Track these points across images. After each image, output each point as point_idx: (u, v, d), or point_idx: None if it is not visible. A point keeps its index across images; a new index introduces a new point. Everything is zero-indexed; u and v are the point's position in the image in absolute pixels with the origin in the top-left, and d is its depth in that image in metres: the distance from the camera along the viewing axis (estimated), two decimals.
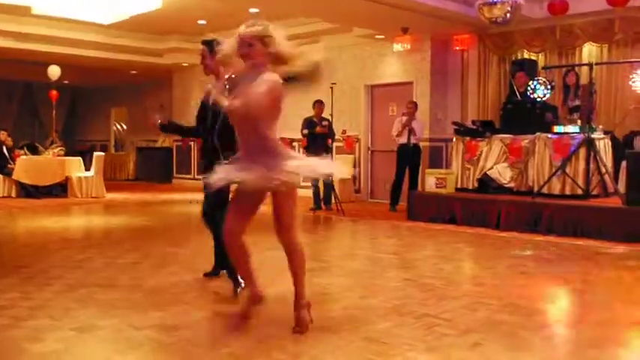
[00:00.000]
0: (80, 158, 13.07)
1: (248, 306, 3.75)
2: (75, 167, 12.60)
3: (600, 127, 8.81)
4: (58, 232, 8.02)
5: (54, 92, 15.95)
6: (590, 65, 8.71)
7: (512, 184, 8.87)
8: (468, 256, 6.85)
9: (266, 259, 4.78)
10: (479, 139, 9.31)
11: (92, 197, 12.33)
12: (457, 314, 4.04)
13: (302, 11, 10.78)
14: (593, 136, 8.20)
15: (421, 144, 10.61)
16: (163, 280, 5.08)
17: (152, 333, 3.62)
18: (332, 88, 10.92)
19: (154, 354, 3.33)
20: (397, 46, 10.92)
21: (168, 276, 5.22)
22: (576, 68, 9.48)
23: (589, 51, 10.19)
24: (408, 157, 10.33)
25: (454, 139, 9.79)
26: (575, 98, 9.18)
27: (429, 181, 9.53)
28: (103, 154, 13.41)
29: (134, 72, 17.32)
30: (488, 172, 9.05)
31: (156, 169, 17.70)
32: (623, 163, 8.04)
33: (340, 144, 12.45)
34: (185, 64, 15.76)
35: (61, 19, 12.66)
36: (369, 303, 4.40)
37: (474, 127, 9.67)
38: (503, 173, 8.93)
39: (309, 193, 10.29)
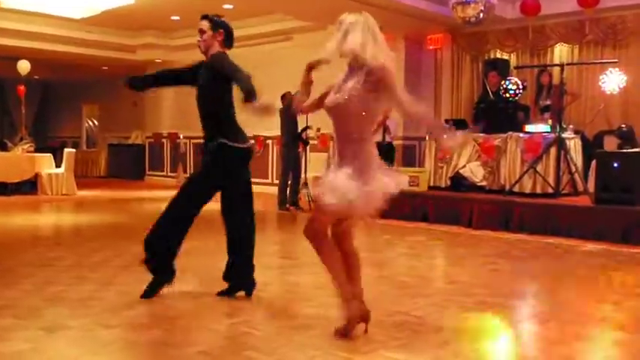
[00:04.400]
0: (51, 155, 12.86)
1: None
2: (45, 164, 12.41)
3: (571, 126, 8.94)
4: (27, 229, 7.90)
5: (21, 87, 15.70)
6: (561, 66, 8.84)
7: (484, 183, 8.96)
8: (440, 253, 6.90)
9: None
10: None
11: (63, 194, 12.16)
12: (429, 312, 4.07)
13: (275, 8, 10.75)
14: (563, 135, 8.32)
15: (395, 142, 10.65)
16: (135, 278, 5.02)
17: (123, 332, 3.59)
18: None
19: (124, 353, 3.29)
20: None
21: (139, 274, 5.15)
22: (549, 68, 9.59)
23: (560, 51, 10.35)
24: (382, 155, 10.30)
25: (427, 138, 9.85)
26: (547, 98, 9.30)
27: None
28: (74, 150, 13.23)
29: (105, 68, 17.12)
30: (460, 171, 9.13)
31: (128, 166, 17.52)
32: (593, 163, 8.17)
33: (315, 142, 12.44)
34: (158, 60, 15.59)
35: (31, 13, 12.45)
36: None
37: (447, 125, 9.72)
38: (475, 172, 9.02)
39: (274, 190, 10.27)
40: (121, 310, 4.05)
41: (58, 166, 12.60)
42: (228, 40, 4.42)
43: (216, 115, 4.34)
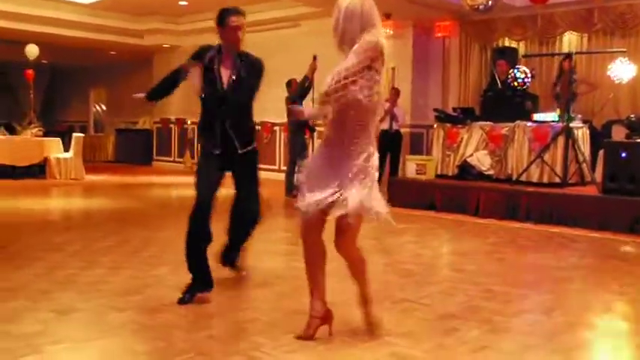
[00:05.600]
0: (59, 139, 12.93)
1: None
2: (54, 148, 12.48)
3: (579, 116, 8.91)
4: (36, 213, 7.97)
5: (30, 72, 15.73)
6: (569, 55, 8.80)
7: (491, 172, 8.96)
8: (446, 242, 6.92)
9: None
10: (459, 126, 9.38)
11: (71, 179, 12.23)
12: (435, 299, 4.10)
13: None
14: (571, 125, 8.30)
15: (402, 130, 10.65)
16: (144, 262, 5.08)
17: (132, 315, 3.64)
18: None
19: (134, 336, 3.34)
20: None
21: (148, 259, 5.23)
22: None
23: (569, 40, 10.30)
24: (389, 143, 10.36)
25: (435, 126, 9.85)
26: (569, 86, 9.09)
27: (410, 167, 9.60)
28: (82, 135, 13.29)
29: (113, 53, 17.13)
30: (468, 159, 9.13)
31: (135, 151, 17.58)
32: (601, 152, 8.15)
33: (322, 129, 12.44)
34: (166, 46, 15.62)
35: None
36: (348, 288, 4.43)
37: (455, 114, 9.73)
38: (482, 160, 9.02)
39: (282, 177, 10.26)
40: (131, 294, 4.10)
41: (66, 150, 12.66)
42: None
43: (249, 110, 4.36)
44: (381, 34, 3.17)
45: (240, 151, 4.22)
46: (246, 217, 4.41)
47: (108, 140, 19.25)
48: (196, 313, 3.71)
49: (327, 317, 3.33)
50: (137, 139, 17.79)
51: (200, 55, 4.29)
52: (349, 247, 3.30)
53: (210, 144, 4.24)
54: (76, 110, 21.59)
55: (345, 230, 3.18)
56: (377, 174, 3.23)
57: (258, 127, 13.99)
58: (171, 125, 16.62)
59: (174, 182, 12.56)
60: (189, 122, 15.98)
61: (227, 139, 4.19)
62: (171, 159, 16.72)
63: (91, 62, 19.16)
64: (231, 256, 4.57)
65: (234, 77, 4.18)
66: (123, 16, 14.39)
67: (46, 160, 12.25)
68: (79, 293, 4.09)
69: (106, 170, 15.13)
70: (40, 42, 14.70)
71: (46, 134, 13.35)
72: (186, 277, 4.06)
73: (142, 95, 4.69)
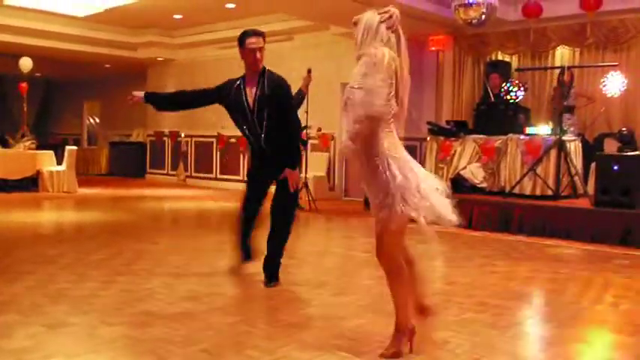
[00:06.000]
0: (52, 152, 12.88)
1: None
2: (46, 161, 12.43)
3: (572, 129, 8.97)
4: (28, 226, 7.93)
5: (23, 84, 15.72)
6: (562, 68, 8.87)
7: (484, 184, 8.98)
8: (440, 254, 6.92)
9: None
10: (452, 139, 9.40)
11: (64, 192, 12.18)
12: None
13: (278, 8, 10.77)
14: (564, 138, 8.34)
15: None
16: (136, 275, 5.05)
17: (125, 330, 3.61)
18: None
19: (126, 350, 3.32)
20: None
21: (141, 272, 5.20)
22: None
23: (562, 54, 10.37)
24: None
25: (428, 139, 9.88)
26: (567, 98, 9.18)
27: None
28: (75, 148, 13.24)
29: (108, 66, 17.15)
30: (461, 172, 9.15)
31: (129, 164, 17.56)
32: (593, 165, 8.19)
33: (315, 141, 12.48)
34: (160, 59, 15.65)
35: (34, 10, 12.49)
36: (342, 300, 4.44)
37: (448, 127, 9.76)
38: (475, 173, 9.04)
39: None
40: (123, 307, 4.07)
41: (59, 163, 12.62)
42: None
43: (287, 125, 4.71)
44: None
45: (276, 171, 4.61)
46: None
47: (101, 153, 19.23)
48: (189, 327, 3.69)
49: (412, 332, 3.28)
50: (131, 152, 17.77)
51: (225, 86, 4.65)
52: (382, 256, 3.34)
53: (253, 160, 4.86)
54: (69, 123, 21.58)
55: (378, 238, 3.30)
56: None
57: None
58: (165, 138, 16.62)
59: (168, 195, 12.54)
60: (182, 135, 15.99)
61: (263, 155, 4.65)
62: (165, 172, 16.70)
63: (85, 75, 19.18)
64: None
65: (259, 93, 4.48)
66: (117, 29, 14.42)
67: (38, 173, 12.20)
68: (71, 307, 4.07)
69: (99, 183, 15.10)
70: (34, 55, 14.70)
71: (39, 147, 13.31)
72: (178, 290, 4.05)
73: (140, 94, 4.75)
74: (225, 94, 4.66)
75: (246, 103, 4.52)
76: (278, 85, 4.58)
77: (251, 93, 4.52)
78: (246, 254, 4.96)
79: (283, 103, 4.56)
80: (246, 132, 4.65)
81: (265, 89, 4.50)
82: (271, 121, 4.51)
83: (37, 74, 17.54)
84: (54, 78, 20.52)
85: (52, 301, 4.20)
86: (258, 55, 4.48)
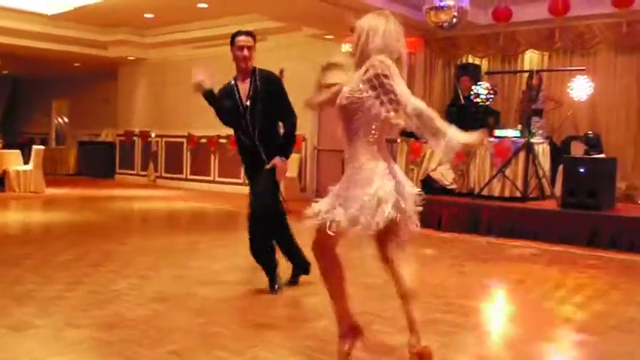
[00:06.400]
0: (19, 151, 12.68)
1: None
2: (13, 160, 12.22)
3: (540, 131, 9.10)
4: None
5: None
6: (531, 72, 9.00)
7: (454, 186, 9.07)
8: (408, 255, 6.95)
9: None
10: (423, 140, 9.44)
11: (31, 192, 11.99)
12: (396, 313, 4.11)
13: (250, 8, 10.74)
14: (532, 140, 8.46)
15: None
16: (104, 277, 5.00)
17: (92, 332, 3.57)
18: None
19: (93, 353, 3.28)
20: (346, 47, 10.94)
21: (108, 273, 5.15)
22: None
23: (530, 58, 10.53)
24: None
25: (399, 140, 9.93)
26: (536, 101, 9.31)
27: None
28: (42, 147, 13.04)
29: (77, 64, 16.93)
30: (431, 174, 9.22)
31: (98, 164, 17.34)
32: (560, 168, 8.32)
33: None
34: (131, 58, 15.49)
35: (2, 8, 12.27)
36: (310, 301, 4.45)
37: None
38: (445, 175, 9.13)
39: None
40: (90, 309, 4.03)
41: (26, 163, 12.43)
42: None
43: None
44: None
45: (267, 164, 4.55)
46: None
47: (70, 153, 18.96)
48: (157, 328, 3.66)
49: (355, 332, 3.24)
50: (100, 152, 17.56)
51: (221, 91, 4.63)
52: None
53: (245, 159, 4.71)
54: (37, 122, 21.23)
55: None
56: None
57: (223, 140, 13.85)
58: (135, 138, 16.46)
59: (137, 195, 12.41)
60: (153, 135, 15.85)
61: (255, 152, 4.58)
62: (135, 172, 16.53)
63: (53, 73, 18.89)
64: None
65: (252, 91, 4.54)
66: (87, 28, 14.22)
67: (5, 172, 12.00)
68: (37, 309, 4.01)
69: (67, 183, 14.89)
70: (2, 53, 14.46)
71: (6, 146, 13.09)
72: (147, 291, 4.01)
73: (203, 84, 4.47)
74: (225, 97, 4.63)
75: (239, 102, 4.55)
76: (269, 80, 4.65)
77: (244, 91, 4.56)
78: (297, 265, 4.93)
79: (278, 96, 4.61)
80: (240, 131, 4.62)
81: (258, 86, 4.55)
82: (264, 119, 4.54)
83: (5, 72, 17.25)
84: (22, 76, 20.17)
85: (17, 302, 4.14)
86: (246, 52, 4.54)
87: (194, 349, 3.33)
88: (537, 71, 9.37)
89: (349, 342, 3.18)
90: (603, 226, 7.23)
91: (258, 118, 4.54)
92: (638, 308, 4.62)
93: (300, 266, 4.83)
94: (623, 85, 9.69)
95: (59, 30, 13.68)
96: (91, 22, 13.89)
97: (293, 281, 4.89)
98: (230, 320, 3.90)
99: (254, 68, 4.63)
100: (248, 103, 4.54)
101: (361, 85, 3.04)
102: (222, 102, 4.59)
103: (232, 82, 4.66)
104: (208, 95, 4.48)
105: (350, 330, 3.20)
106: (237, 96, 4.57)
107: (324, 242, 3.20)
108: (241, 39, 4.56)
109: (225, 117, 4.63)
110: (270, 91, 4.58)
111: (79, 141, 18.77)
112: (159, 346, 3.33)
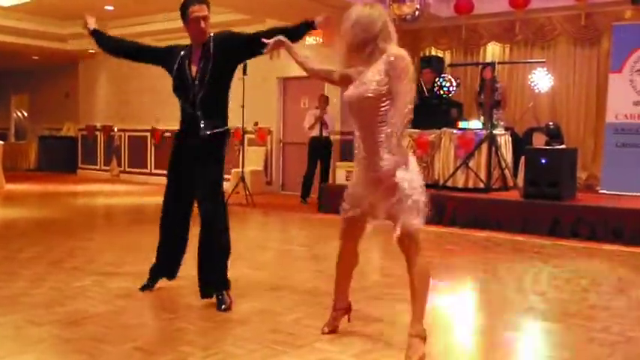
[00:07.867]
0: None
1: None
2: None
3: (502, 123, 9.23)
4: None
5: None
6: (492, 64, 9.11)
7: None
8: (375, 247, 7.00)
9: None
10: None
11: None
12: (364, 305, 4.14)
13: (215, 0, 10.65)
14: (495, 132, 8.58)
15: (332, 137, 10.74)
16: (67, 274, 4.92)
17: (55, 329, 3.51)
18: (243, 79, 10.43)
19: (55, 350, 3.23)
20: (310, 40, 10.97)
21: (71, 270, 5.07)
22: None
23: (492, 50, 10.66)
24: (320, 150, 10.43)
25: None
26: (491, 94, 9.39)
27: (340, 173, 9.69)
28: (1, 142, 12.75)
29: (36, 57, 16.57)
30: None
31: (59, 159, 17.05)
32: (522, 158, 8.45)
33: (252, 136, 12.42)
34: (92, 51, 15.18)
35: None
36: (278, 295, 4.44)
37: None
38: None
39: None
40: (53, 306, 3.96)
41: None
42: None
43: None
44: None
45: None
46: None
47: (30, 148, 18.58)
48: (121, 325, 3.62)
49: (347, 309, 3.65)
50: (61, 147, 17.25)
51: (173, 51, 4.21)
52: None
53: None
54: None
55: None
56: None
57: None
58: (97, 132, 16.19)
59: (101, 191, 12.23)
60: (115, 129, 15.62)
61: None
62: (98, 167, 16.27)
63: (12, 67, 18.45)
64: None
65: (202, 64, 4.05)
66: (46, 20, 13.93)
67: None
68: None
69: (27, 179, 14.59)
70: None
71: None
72: (111, 288, 3.96)
73: (91, 24, 4.43)
74: (170, 60, 4.21)
75: (189, 74, 4.09)
76: (223, 39, 4.14)
77: (195, 64, 4.08)
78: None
79: (238, 40, 4.15)
80: (182, 99, 4.20)
81: (211, 56, 4.06)
82: (211, 89, 4.08)
83: None
84: None
85: None
86: (202, 24, 3.99)
87: (159, 344, 3.30)
88: (498, 63, 9.49)
89: (340, 314, 3.58)
90: (564, 216, 7.36)
91: (204, 89, 4.05)
92: (599, 296, 4.73)
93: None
94: (582, 77, 9.89)
95: (17, 22, 13.40)
96: (50, 14, 13.61)
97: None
98: (196, 315, 3.88)
99: (209, 38, 4.11)
100: (198, 77, 4.06)
101: (382, 77, 3.19)
102: (111, 38, 4.55)
103: (185, 52, 4.15)
104: (94, 34, 4.41)
105: (343, 307, 3.61)
106: (187, 70, 4.09)
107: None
108: (195, 9, 3.98)
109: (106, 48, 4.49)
110: (227, 47, 4.09)
111: (39, 136, 18.41)
112: (123, 343, 3.29)
